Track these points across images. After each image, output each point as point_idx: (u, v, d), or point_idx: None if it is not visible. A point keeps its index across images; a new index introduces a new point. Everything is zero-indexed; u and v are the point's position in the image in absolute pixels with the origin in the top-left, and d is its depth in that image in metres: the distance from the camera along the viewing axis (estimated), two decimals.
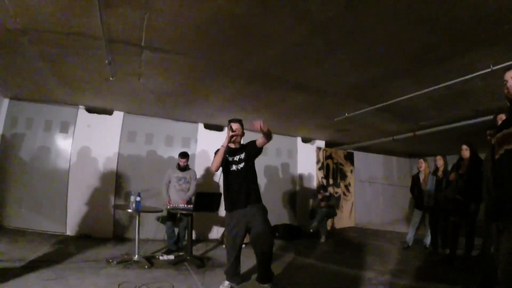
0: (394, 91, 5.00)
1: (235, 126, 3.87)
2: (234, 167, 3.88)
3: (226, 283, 3.87)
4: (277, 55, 3.95)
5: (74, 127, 6.84)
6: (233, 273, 3.87)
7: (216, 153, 3.83)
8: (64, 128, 6.82)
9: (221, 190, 4.04)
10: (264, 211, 3.82)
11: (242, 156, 3.90)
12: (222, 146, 3.79)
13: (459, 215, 5.09)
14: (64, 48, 3.96)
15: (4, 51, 4.16)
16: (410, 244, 6.52)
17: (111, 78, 4.72)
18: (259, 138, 3.81)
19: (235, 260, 3.85)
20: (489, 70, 3.78)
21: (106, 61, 4.05)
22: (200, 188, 6.46)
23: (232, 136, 3.83)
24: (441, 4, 2.79)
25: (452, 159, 7.44)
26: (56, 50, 4.03)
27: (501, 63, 3.60)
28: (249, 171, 3.90)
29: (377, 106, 5.64)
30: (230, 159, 3.88)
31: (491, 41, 3.35)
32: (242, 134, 4.00)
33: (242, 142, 4.06)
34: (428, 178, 6.29)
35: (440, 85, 4.44)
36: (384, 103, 5.45)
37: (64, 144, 6.78)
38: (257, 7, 2.95)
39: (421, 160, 6.56)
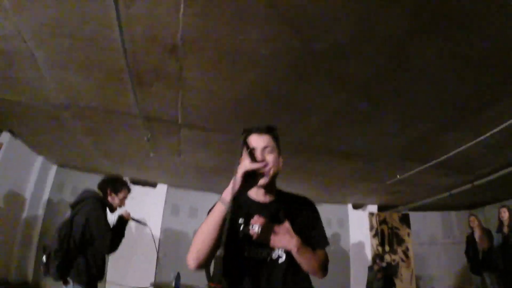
0: (446, 144, 4.61)
1: (265, 142, 1.57)
2: (254, 252, 1.50)
3: None
4: (319, 124, 3.78)
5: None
6: None
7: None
8: None
9: None
10: None
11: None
12: (220, 201, 1.38)
13: None
14: (104, 123, 4.06)
15: (49, 123, 4.31)
16: None
17: (151, 155, 4.74)
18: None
19: None
20: None
21: (145, 138, 4.07)
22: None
23: (254, 175, 1.37)
24: (488, 46, 2.54)
25: None
26: (96, 125, 4.15)
27: None
28: (296, 270, 1.54)
29: (429, 163, 5.21)
30: (246, 229, 1.49)
31: None
32: (279, 165, 1.64)
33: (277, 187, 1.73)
34: (484, 235, 5.54)
35: (495, 130, 4.00)
36: (437, 160, 5.04)
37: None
38: (292, 78, 2.86)
39: (473, 217, 6.01)
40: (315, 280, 1.77)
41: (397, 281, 8.42)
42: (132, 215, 6.20)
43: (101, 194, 3.36)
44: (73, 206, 3.29)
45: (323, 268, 1.70)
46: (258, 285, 1.47)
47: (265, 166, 1.43)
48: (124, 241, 6.47)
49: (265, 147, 1.54)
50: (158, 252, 6.69)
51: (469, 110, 3.65)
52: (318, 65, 2.67)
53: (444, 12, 2.19)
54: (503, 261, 5.16)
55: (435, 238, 10.73)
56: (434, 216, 10.97)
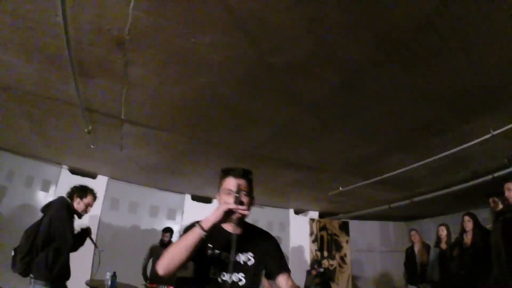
0: (390, 165, 4.80)
1: (243, 185, 1.75)
2: (221, 276, 1.67)
3: None
4: (266, 135, 3.78)
5: (56, 187, 6.49)
6: None
7: (181, 235, 1.71)
8: (46, 187, 6.47)
9: None
10: None
11: (248, 258, 1.77)
12: (198, 225, 1.61)
13: None
14: (45, 110, 3.79)
15: None
16: None
17: (91, 146, 4.50)
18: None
19: None
20: (490, 135, 3.58)
21: (86, 130, 3.84)
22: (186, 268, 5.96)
23: (231, 212, 1.62)
24: (440, 78, 2.65)
25: (450, 218, 7.01)
26: (36, 110, 3.86)
27: (502, 127, 3.42)
28: None
29: (372, 180, 5.41)
30: (216, 255, 1.72)
31: (493, 107, 3.20)
32: (251, 204, 1.80)
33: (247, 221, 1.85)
34: (424, 249, 5.84)
35: (439, 156, 4.25)
36: (380, 177, 5.23)
37: (43, 202, 6.37)
38: (243, 89, 2.82)
39: (414, 232, 6.15)
40: None
41: (334, 286, 8.67)
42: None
43: (68, 200, 3.54)
44: (43, 209, 3.54)
45: None
46: None
47: (246, 211, 1.66)
48: None
49: (242, 190, 1.72)
50: (95, 248, 6.42)
51: (417, 136, 3.82)
52: (271, 78, 2.64)
53: (405, 47, 2.25)
54: (440, 273, 5.46)
55: (373, 246, 11.12)
56: (373, 225, 11.39)
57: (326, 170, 5.08)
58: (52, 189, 6.49)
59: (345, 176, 5.46)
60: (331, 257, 9.56)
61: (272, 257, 1.87)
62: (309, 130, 3.61)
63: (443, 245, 5.56)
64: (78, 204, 3.48)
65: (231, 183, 1.78)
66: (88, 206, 3.39)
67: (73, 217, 3.44)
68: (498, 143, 3.99)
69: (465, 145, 3.93)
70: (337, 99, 2.96)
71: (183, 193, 7.49)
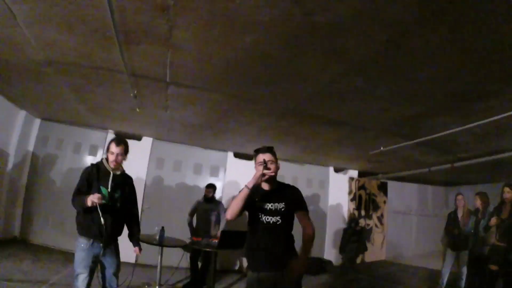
0: (434, 126, 4.66)
1: (267, 157, 2.69)
2: (265, 218, 2.69)
3: None
4: (310, 92, 3.73)
5: (103, 151, 6.83)
6: None
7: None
8: (93, 151, 6.87)
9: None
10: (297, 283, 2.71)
11: (281, 206, 2.70)
12: (245, 186, 2.60)
13: (499, 263, 4.59)
14: (89, 79, 3.95)
15: (31, 78, 4.20)
16: (443, 286, 5.98)
17: (137, 110, 4.66)
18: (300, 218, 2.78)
19: None
20: None
21: (131, 94, 3.98)
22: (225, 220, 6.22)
23: (263, 175, 2.64)
24: (488, 41, 2.51)
25: (489, 188, 6.82)
26: (81, 81, 4.03)
27: None
28: (288, 229, 2.77)
29: (414, 141, 5.29)
30: (260, 205, 2.72)
31: None
32: (277, 168, 2.78)
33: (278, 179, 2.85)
34: (467, 215, 5.75)
35: (483, 121, 4.08)
36: (422, 139, 5.10)
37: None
38: (288, 47, 2.77)
39: (460, 196, 5.89)
40: (297, 237, 2.82)
41: (369, 245, 8.78)
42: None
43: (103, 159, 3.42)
44: None
45: (310, 227, 2.74)
46: (267, 236, 2.69)
47: (272, 173, 2.69)
48: None
49: (269, 160, 2.71)
50: (142, 205, 6.80)
51: (462, 99, 3.67)
52: (316, 37, 2.58)
53: (453, 6, 2.13)
54: (475, 242, 5.44)
55: (410, 209, 11.03)
56: (411, 188, 11.24)
57: (368, 129, 5.03)
58: (99, 153, 6.86)
59: (387, 136, 5.37)
60: (368, 216, 9.62)
61: (294, 200, 2.78)
62: (353, 88, 3.55)
63: (479, 215, 5.49)
64: (108, 156, 3.28)
65: (260, 157, 2.74)
66: (113, 154, 3.17)
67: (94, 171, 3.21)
68: None
69: (510, 113, 3.76)
70: (383, 58, 2.87)
71: (225, 150, 7.69)
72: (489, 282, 4.74)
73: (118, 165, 3.24)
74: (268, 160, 2.68)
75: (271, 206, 2.71)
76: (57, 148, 6.74)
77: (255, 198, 2.71)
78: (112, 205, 3.12)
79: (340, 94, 3.76)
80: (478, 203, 5.58)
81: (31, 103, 5.67)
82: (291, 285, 2.63)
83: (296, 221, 2.79)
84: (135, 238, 3.54)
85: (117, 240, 3.32)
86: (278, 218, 2.68)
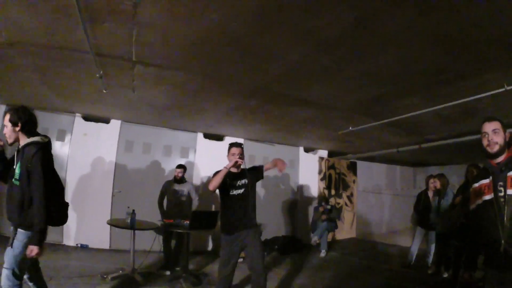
0: (402, 107, 4.81)
1: (237, 151, 3.61)
2: (234, 192, 3.68)
3: None
4: (278, 72, 3.75)
5: (71, 135, 6.70)
6: None
7: (215, 174, 3.57)
8: (61, 136, 6.68)
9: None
10: (259, 235, 3.89)
11: (243, 182, 3.71)
12: (224, 167, 3.49)
13: (463, 239, 4.87)
14: (54, 60, 3.81)
15: None
16: (412, 262, 6.31)
17: (104, 91, 4.56)
18: (268, 167, 3.84)
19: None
20: (503, 89, 3.60)
21: (97, 75, 3.88)
22: (199, 199, 6.25)
23: (237, 162, 3.56)
24: (458, 25, 2.59)
25: (456, 169, 7.15)
26: (45, 62, 3.89)
27: None
28: (250, 197, 3.73)
29: (383, 121, 5.46)
30: (230, 182, 3.67)
31: (509, 62, 3.16)
32: (243, 159, 3.67)
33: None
34: (436, 196, 6.05)
35: (450, 103, 4.26)
36: (391, 119, 5.27)
37: (60, 152, 6.61)
38: (255, 25, 2.77)
39: (434, 179, 6.16)
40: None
41: (339, 223, 9.03)
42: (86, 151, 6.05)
43: None
44: None
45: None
46: (236, 204, 3.66)
47: (242, 161, 3.61)
48: (79, 178, 6.43)
49: (239, 152, 3.61)
50: (113, 189, 6.72)
51: (429, 82, 3.81)
52: (283, 14, 2.59)
53: None
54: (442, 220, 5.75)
55: (379, 188, 11.38)
56: (380, 168, 11.60)
57: (337, 108, 5.11)
58: (67, 137, 6.70)
59: (356, 116, 5.50)
60: (338, 195, 9.90)
61: (255, 174, 3.81)
62: (322, 68, 3.59)
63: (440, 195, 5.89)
64: None
65: (233, 150, 3.64)
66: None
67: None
68: (511, 99, 4.00)
69: (477, 96, 3.94)
70: (351, 38, 2.91)
71: (195, 131, 7.68)
72: (454, 257, 5.02)
73: (11, 138, 2.87)
74: (239, 153, 3.61)
75: (238, 182, 3.70)
76: None
77: (226, 178, 3.59)
78: (14, 183, 2.72)
79: (309, 74, 3.81)
80: (438, 184, 5.91)
81: None
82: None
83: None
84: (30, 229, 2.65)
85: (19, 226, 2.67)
86: (242, 191, 3.70)
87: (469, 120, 5.25)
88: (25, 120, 2.78)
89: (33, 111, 2.90)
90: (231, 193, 3.67)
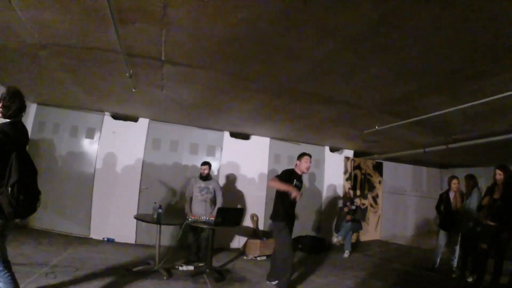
0: (428, 106, 4.71)
1: (309, 159, 4.85)
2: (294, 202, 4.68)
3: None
4: (304, 70, 3.75)
5: (100, 133, 6.92)
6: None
7: (283, 176, 4.71)
8: (90, 134, 6.91)
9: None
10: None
11: (300, 185, 4.83)
12: (291, 186, 4.54)
13: (490, 241, 4.74)
14: (85, 61, 3.96)
15: (26, 62, 4.21)
16: (436, 265, 6.18)
17: (133, 90, 4.69)
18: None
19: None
20: None
21: (127, 74, 3.99)
22: (224, 196, 6.31)
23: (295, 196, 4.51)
24: (484, 20, 2.52)
25: (483, 170, 6.93)
26: (76, 62, 4.04)
27: None
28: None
29: (409, 120, 5.35)
30: (297, 183, 4.69)
31: None
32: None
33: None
34: (459, 197, 5.91)
35: (477, 102, 4.13)
36: (417, 118, 5.16)
37: (89, 149, 6.87)
38: (281, 23, 2.78)
39: (456, 180, 6.09)
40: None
41: (364, 224, 8.94)
42: (114, 148, 6.26)
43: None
44: None
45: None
46: (294, 202, 4.69)
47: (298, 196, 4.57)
48: (107, 175, 6.62)
49: (310, 161, 4.87)
50: (140, 185, 6.89)
51: (456, 79, 3.71)
52: (309, 13, 2.59)
53: None
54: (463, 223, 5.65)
55: (405, 189, 11.16)
56: (406, 169, 11.36)
57: (363, 107, 5.07)
58: (96, 135, 6.92)
59: (382, 115, 5.42)
60: (363, 196, 9.78)
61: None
62: (347, 65, 3.57)
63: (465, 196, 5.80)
64: None
65: (306, 159, 4.78)
66: None
67: None
68: None
69: (504, 94, 3.81)
70: (375, 35, 2.88)
71: (221, 130, 7.75)
72: (480, 260, 4.90)
73: None
74: (310, 162, 4.84)
75: (299, 184, 4.76)
76: (54, 133, 6.77)
77: (293, 179, 4.68)
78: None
79: (333, 72, 3.79)
80: (464, 185, 5.77)
81: (27, 88, 5.63)
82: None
83: None
84: None
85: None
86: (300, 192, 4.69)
87: (497, 120, 5.09)
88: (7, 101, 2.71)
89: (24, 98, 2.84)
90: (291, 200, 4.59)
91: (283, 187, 4.52)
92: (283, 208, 4.63)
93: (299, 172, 4.80)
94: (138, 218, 5.19)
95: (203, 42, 3.22)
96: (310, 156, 4.80)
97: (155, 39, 3.19)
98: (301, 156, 4.81)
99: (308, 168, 4.79)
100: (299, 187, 4.69)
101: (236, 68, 3.86)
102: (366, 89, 4.29)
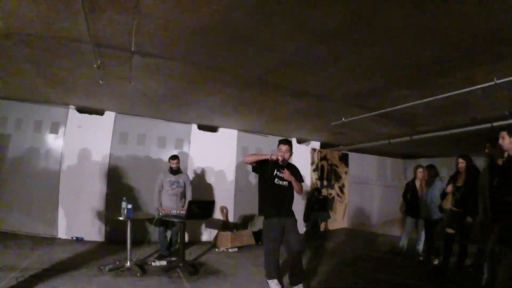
0: (394, 99, 4.92)
1: (285, 148, 4.24)
2: (279, 182, 4.20)
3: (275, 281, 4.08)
4: (274, 62, 3.82)
5: (65, 128, 6.69)
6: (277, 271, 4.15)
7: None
8: (55, 129, 6.66)
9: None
10: (296, 222, 4.33)
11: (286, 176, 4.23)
12: (269, 155, 4.09)
13: (455, 226, 5.02)
14: (51, 51, 3.82)
15: None
16: (403, 250, 6.49)
17: (100, 82, 4.58)
18: (296, 185, 4.27)
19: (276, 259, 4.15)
20: (493, 83, 3.72)
21: (95, 65, 3.90)
22: (193, 190, 6.27)
23: (282, 160, 4.11)
24: (451, 19, 2.68)
25: (445, 161, 7.31)
26: (42, 53, 3.89)
27: (506, 77, 3.57)
28: (291, 191, 4.28)
29: (375, 112, 5.55)
30: (276, 173, 4.20)
31: (498, 56, 3.29)
32: (291, 155, 4.33)
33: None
34: (424, 186, 6.23)
35: (442, 96, 4.37)
36: (383, 110, 5.36)
37: (54, 145, 6.62)
38: (254, 15, 2.82)
39: (421, 169, 6.42)
40: None
41: (331, 213, 9.18)
42: (80, 143, 6.08)
43: None
44: None
45: (301, 190, 4.38)
46: (280, 193, 4.19)
47: (284, 159, 4.13)
48: (74, 171, 6.41)
49: (285, 150, 4.22)
50: (107, 181, 6.74)
51: (422, 74, 3.92)
52: (282, 6, 2.64)
53: None
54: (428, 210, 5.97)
55: (369, 179, 11.53)
56: (371, 160, 11.75)
57: (331, 100, 5.20)
58: (61, 130, 6.68)
59: (349, 108, 5.59)
60: (330, 186, 10.03)
61: (294, 174, 4.24)
62: (317, 59, 3.66)
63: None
64: None
65: (281, 147, 4.25)
66: None
67: None
68: (500, 92, 4.15)
69: (467, 89, 4.06)
70: (346, 30, 2.98)
71: (189, 123, 7.71)
72: (446, 244, 5.18)
73: None
74: (285, 150, 4.22)
75: (282, 175, 4.17)
76: (17, 128, 6.47)
77: (272, 169, 4.17)
78: None
79: (304, 65, 3.88)
80: (426, 174, 6.10)
81: None
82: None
83: None
84: None
85: None
86: (286, 184, 4.22)
87: (460, 113, 5.41)
88: None
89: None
90: (275, 182, 4.19)
91: (258, 156, 4.16)
92: (265, 199, 4.22)
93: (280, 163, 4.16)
94: (107, 215, 5.09)
95: (175, 32, 3.20)
96: (285, 143, 4.26)
97: (126, 29, 3.14)
98: (278, 145, 4.34)
99: (285, 156, 4.17)
100: (281, 178, 4.19)
101: (207, 60, 3.86)
102: (335, 82, 4.42)
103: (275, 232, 4.10)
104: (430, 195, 5.86)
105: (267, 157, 4.06)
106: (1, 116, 6.41)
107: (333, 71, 4.02)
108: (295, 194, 4.33)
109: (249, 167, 4.59)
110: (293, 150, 4.36)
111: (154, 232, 6.21)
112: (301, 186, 4.36)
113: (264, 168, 4.17)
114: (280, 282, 4.13)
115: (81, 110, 6.77)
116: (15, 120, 6.46)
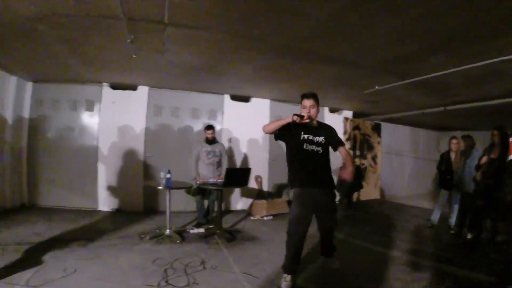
0: (428, 66, 4.74)
1: (310, 103, 3.44)
2: (308, 147, 3.44)
3: (289, 277, 3.36)
4: (308, 29, 3.73)
5: (100, 105, 6.89)
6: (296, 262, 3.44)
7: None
8: (90, 107, 6.89)
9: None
10: (333, 196, 3.66)
11: (321, 140, 3.49)
12: (290, 117, 3.23)
13: (487, 199, 4.88)
14: (83, 30, 3.89)
15: (21, 38, 4.16)
16: (435, 223, 6.39)
17: (134, 56, 4.64)
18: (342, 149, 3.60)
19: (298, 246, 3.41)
20: None
21: (128, 40, 3.95)
22: (228, 159, 6.37)
23: (302, 117, 3.30)
24: None
25: (480, 134, 7.04)
26: (74, 32, 3.97)
27: None
28: (326, 156, 3.54)
29: (409, 80, 5.38)
30: (305, 136, 3.45)
31: None
32: (318, 112, 3.54)
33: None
34: (459, 158, 6.00)
35: (478, 64, 4.19)
36: (417, 78, 5.19)
37: (90, 122, 6.88)
38: None
39: (456, 140, 6.14)
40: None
41: (364, 184, 9.12)
42: (116, 119, 6.23)
43: None
44: None
45: (349, 155, 3.62)
46: (312, 161, 3.44)
47: (309, 116, 3.38)
48: (111, 146, 6.55)
49: (310, 105, 3.45)
50: (145, 153, 6.94)
51: (459, 41, 3.75)
52: None
53: None
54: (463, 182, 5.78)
55: (402, 150, 11.31)
56: (404, 130, 11.51)
57: (364, 67, 5.07)
58: (96, 107, 6.90)
59: (382, 75, 5.44)
60: (362, 156, 9.94)
61: (333, 137, 3.60)
62: (351, 25, 3.57)
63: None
64: None
65: (304, 102, 3.49)
66: None
67: None
68: None
69: (504, 58, 3.88)
70: None
71: (222, 93, 7.72)
72: (476, 217, 5.06)
73: None
74: (311, 105, 3.44)
75: (313, 138, 3.48)
76: (54, 109, 6.76)
77: (300, 133, 3.45)
78: None
79: (336, 31, 3.78)
80: (462, 145, 5.88)
81: (22, 66, 5.66)
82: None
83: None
84: None
85: None
86: (320, 149, 3.48)
87: (495, 83, 5.18)
88: None
89: None
90: (304, 148, 3.44)
91: (278, 122, 3.39)
92: (294, 168, 3.53)
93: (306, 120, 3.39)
94: (146, 184, 5.25)
95: (207, 2, 3.17)
96: (309, 97, 3.48)
97: (159, 1, 3.14)
98: (301, 100, 3.58)
99: (309, 114, 3.40)
100: (311, 141, 3.48)
101: (240, 28, 3.81)
102: (368, 48, 4.29)
103: (303, 209, 3.35)
104: (468, 167, 5.64)
105: (289, 120, 3.24)
106: (37, 99, 6.70)
107: (367, 36, 3.89)
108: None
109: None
110: (325, 119, 4.11)
111: (191, 200, 6.37)
112: (347, 152, 3.62)
113: (287, 134, 3.43)
114: (295, 276, 3.44)
115: (114, 86, 6.93)
116: (51, 101, 6.74)
